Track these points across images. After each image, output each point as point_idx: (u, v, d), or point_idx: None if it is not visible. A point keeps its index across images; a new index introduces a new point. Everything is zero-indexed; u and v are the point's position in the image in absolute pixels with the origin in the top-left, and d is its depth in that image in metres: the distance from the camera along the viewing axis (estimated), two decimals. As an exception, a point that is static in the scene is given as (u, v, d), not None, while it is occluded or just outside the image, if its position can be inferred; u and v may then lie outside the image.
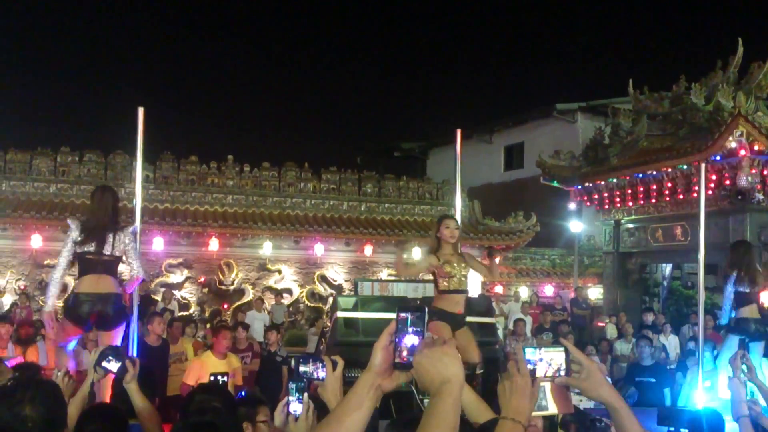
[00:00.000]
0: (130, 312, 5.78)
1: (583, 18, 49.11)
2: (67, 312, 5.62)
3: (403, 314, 1.61)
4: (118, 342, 5.50)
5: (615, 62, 40.17)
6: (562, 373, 1.94)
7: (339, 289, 17.81)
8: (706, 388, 7.28)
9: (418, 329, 1.59)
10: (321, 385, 2.49)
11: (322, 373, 2.46)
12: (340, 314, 8.40)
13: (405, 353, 1.58)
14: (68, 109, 35.59)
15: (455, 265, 5.98)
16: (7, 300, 14.78)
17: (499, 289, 18.87)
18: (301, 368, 2.53)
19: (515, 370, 1.92)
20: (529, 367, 1.94)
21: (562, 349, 1.95)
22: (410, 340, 1.58)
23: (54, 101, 35.76)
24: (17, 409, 2.16)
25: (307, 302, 17.62)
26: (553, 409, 2.09)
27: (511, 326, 14.24)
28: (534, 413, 1.96)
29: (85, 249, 5.48)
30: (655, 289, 18.71)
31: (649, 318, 13.69)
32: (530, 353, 1.96)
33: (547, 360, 1.94)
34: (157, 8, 47.10)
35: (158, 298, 14.80)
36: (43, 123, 30.86)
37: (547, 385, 2.03)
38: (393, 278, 17.57)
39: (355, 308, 8.56)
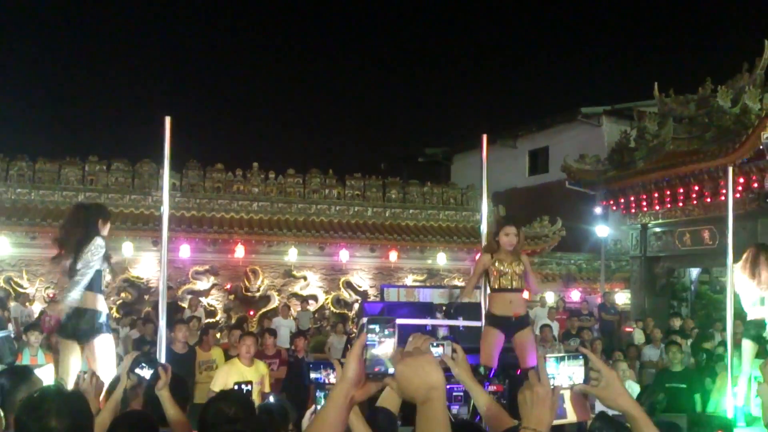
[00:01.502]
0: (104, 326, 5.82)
1: (606, 21, 48.82)
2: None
3: (372, 325, 1.65)
4: (104, 355, 5.60)
5: (640, 65, 39.89)
6: (581, 380, 1.95)
7: (364, 295, 17.82)
8: (735, 394, 7.18)
9: (389, 339, 1.62)
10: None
11: (333, 379, 2.48)
12: (366, 320, 8.41)
13: (377, 363, 1.61)
14: (96, 118, 36.12)
15: (507, 263, 5.97)
16: (37, 308, 14.98)
17: (525, 294, 18.78)
18: (312, 374, 2.55)
19: (536, 380, 1.95)
20: (550, 379, 1.96)
21: (582, 358, 1.97)
22: (381, 350, 1.61)
23: (82, 111, 36.28)
24: (44, 421, 2.19)
25: (332, 308, 17.67)
26: (572, 417, 2.10)
27: (537, 332, 14.17)
28: (554, 422, 1.98)
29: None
30: (683, 294, 18.50)
31: (677, 323, 13.54)
32: (552, 366, 1.98)
33: (568, 374, 1.96)
34: (183, 17, 47.63)
35: (185, 305, 14.93)
36: (72, 133, 31.33)
37: (567, 393, 2.04)
38: (419, 284, 17.60)
39: (381, 314, 8.57)
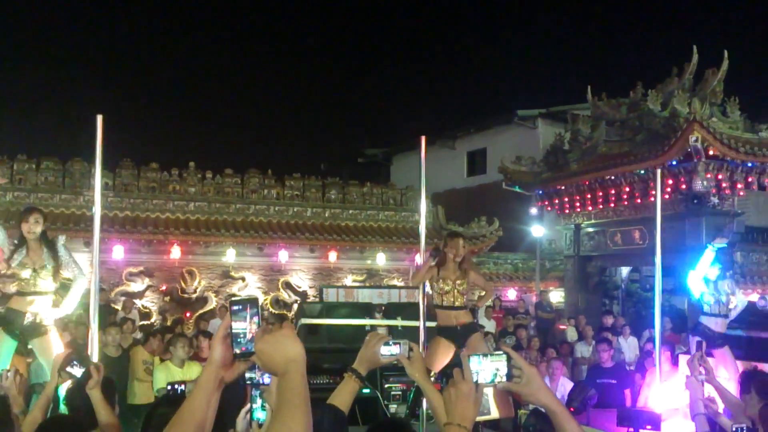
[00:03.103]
0: None
1: (542, 25, 49.77)
2: None
3: (236, 306, 1.68)
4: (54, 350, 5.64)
5: (574, 69, 40.78)
6: (504, 378, 2.01)
7: (304, 295, 17.74)
8: (664, 389, 7.42)
9: (254, 318, 1.66)
10: (266, 390, 2.51)
11: (267, 379, 2.48)
12: (304, 321, 8.38)
13: (243, 342, 1.65)
14: (25, 115, 34.93)
15: (451, 281, 6.03)
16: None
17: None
18: (247, 374, 2.55)
19: (460, 377, 2.00)
20: (474, 375, 2.01)
21: (504, 356, 2.02)
22: (247, 329, 1.65)
23: (10, 108, 35.05)
24: None
25: (271, 309, 17.53)
26: (495, 413, 2.17)
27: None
28: (478, 418, 2.04)
29: None
30: (614, 292, 19.03)
31: (609, 320, 13.91)
32: (475, 362, 2.02)
33: (492, 369, 2.01)
34: (114, 12, 46.49)
35: (118, 307, 14.59)
36: (-1, 130, 30.24)
37: (490, 391, 2.10)
38: (358, 284, 17.61)
39: (320, 315, 8.55)
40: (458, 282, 6.06)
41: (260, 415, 2.59)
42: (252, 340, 1.64)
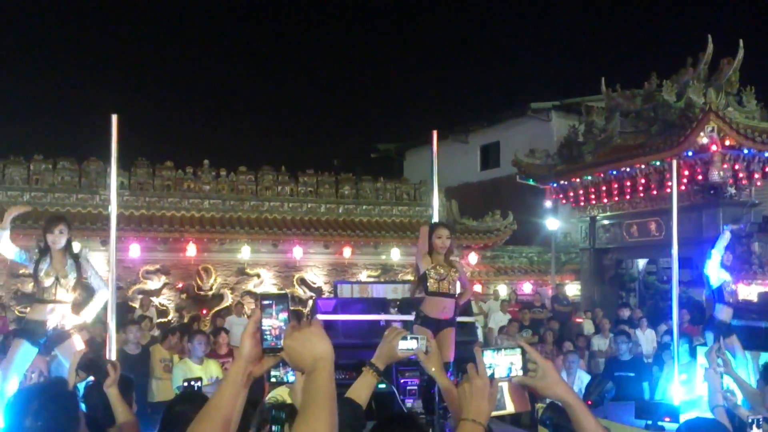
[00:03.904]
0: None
1: (555, 17, 49.51)
2: None
3: (266, 301, 1.69)
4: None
5: (588, 60, 40.56)
6: (520, 372, 2.00)
7: (318, 291, 17.77)
8: (682, 381, 7.39)
9: (283, 314, 1.67)
10: (291, 389, 2.52)
11: (291, 377, 2.49)
12: (319, 317, 8.41)
13: (272, 338, 1.66)
14: (40, 116, 35.19)
15: (445, 269, 6.04)
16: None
17: (477, 287, 18.97)
18: (271, 372, 2.56)
19: (474, 372, 2.00)
20: (489, 369, 2.00)
21: (519, 350, 2.02)
22: (276, 324, 1.66)
23: (25, 109, 35.33)
24: (21, 418, 2.15)
25: (287, 306, 17.55)
26: (510, 408, 2.16)
27: (491, 324, 14.36)
28: (493, 413, 2.04)
29: None
30: (631, 285, 18.92)
31: (626, 313, 13.84)
32: (489, 356, 2.02)
33: (507, 363, 2.00)
34: (129, 11, 46.70)
35: (136, 305, 14.69)
36: (15, 131, 30.48)
37: (505, 385, 2.09)
38: (373, 279, 17.63)
39: (334, 310, 8.57)
40: (452, 271, 6.08)
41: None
42: (281, 336, 1.64)
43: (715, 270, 8.18)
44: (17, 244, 6.13)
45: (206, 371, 6.96)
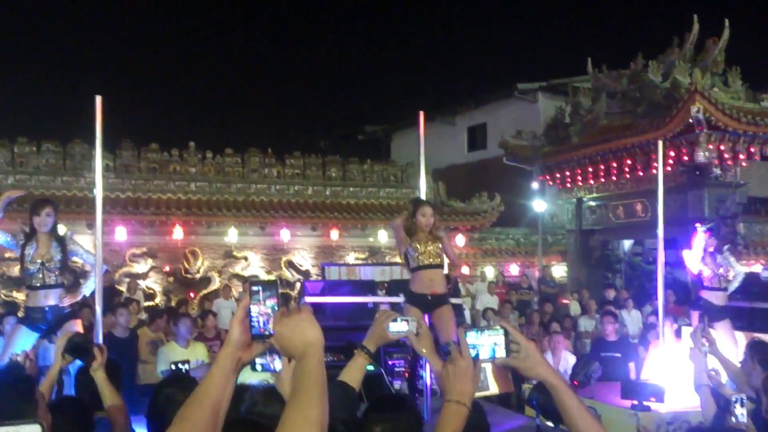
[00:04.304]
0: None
1: (542, -2, 49.31)
2: None
3: (255, 287, 1.69)
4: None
5: (574, 41, 40.47)
6: (503, 353, 2.00)
7: (306, 274, 17.77)
8: (667, 361, 7.45)
9: (271, 300, 1.67)
10: (277, 378, 2.52)
11: (278, 365, 2.48)
12: (307, 299, 8.41)
13: (261, 324, 1.66)
14: (24, 97, 34.79)
15: (423, 243, 6.00)
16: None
17: (465, 269, 19.03)
18: (257, 360, 2.55)
19: (457, 354, 2.00)
20: (472, 350, 2.00)
21: (502, 331, 2.01)
22: (264, 311, 1.66)
23: (9, 90, 34.91)
24: None
25: (273, 288, 17.54)
26: (494, 389, 2.17)
27: (478, 306, 14.42)
28: (476, 393, 2.05)
29: None
30: (617, 266, 19.04)
31: (612, 294, 13.94)
32: (472, 337, 2.02)
33: (490, 343, 2.00)
34: (112, -7, 46.10)
35: (123, 288, 14.64)
36: (-2, 113, 30.15)
37: (489, 366, 2.11)
38: (360, 262, 17.65)
39: (322, 293, 8.58)
40: (430, 244, 6.03)
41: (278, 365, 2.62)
42: (270, 322, 1.64)
43: (695, 264, 8.26)
44: (2, 228, 6.07)
45: (192, 354, 6.95)
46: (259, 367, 2.63)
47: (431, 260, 6.00)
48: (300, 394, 1.56)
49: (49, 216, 6.04)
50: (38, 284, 5.97)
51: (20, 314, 6.29)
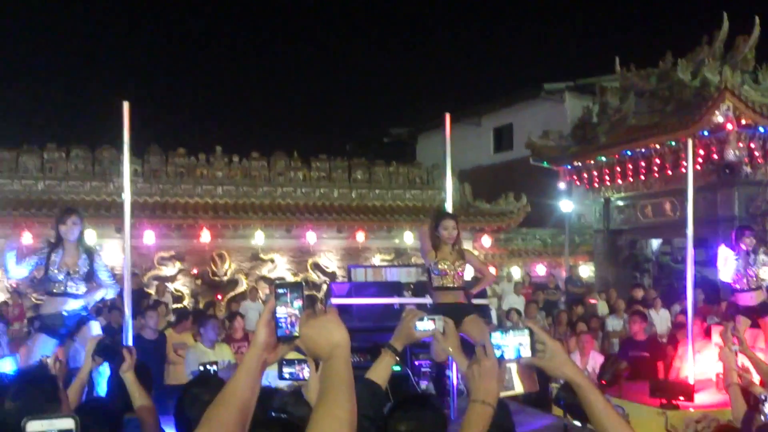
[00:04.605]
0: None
1: (567, -3, 48.97)
2: None
3: (281, 290, 1.69)
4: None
5: (602, 40, 40.13)
6: (528, 353, 2.00)
7: (332, 276, 17.83)
8: (696, 360, 7.36)
9: (297, 302, 1.67)
10: (305, 386, 2.54)
11: (306, 374, 2.50)
12: (333, 301, 8.44)
13: (288, 326, 1.66)
14: (53, 104, 35.37)
15: (449, 263, 5.89)
16: (-1, 298, 14.75)
17: (491, 270, 18.96)
18: (286, 369, 2.57)
19: (482, 354, 2.01)
20: (497, 351, 2.01)
21: (527, 331, 2.01)
22: (290, 312, 1.66)
23: (38, 97, 35.50)
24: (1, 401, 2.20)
25: (300, 290, 17.63)
26: (519, 388, 2.18)
27: (504, 307, 14.36)
28: (501, 393, 2.05)
29: None
30: (645, 265, 18.83)
31: (640, 293, 13.79)
32: (497, 337, 2.02)
33: (515, 344, 2.01)
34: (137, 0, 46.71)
35: (152, 291, 14.80)
36: (28, 119, 30.68)
37: (514, 366, 2.11)
38: (386, 264, 17.67)
39: (348, 294, 8.60)
40: (457, 263, 5.91)
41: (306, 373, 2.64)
42: (296, 324, 1.65)
43: (729, 272, 7.98)
44: (32, 233, 6.18)
45: (218, 355, 7.00)
46: (287, 376, 2.65)
47: (453, 284, 5.91)
48: (328, 394, 1.57)
49: (75, 225, 6.02)
50: (59, 292, 5.98)
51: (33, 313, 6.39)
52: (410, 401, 2.62)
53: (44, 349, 5.82)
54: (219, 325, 7.98)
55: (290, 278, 17.62)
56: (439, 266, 5.86)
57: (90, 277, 6.11)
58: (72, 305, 6.01)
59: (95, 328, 6.07)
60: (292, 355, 2.03)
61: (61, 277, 5.96)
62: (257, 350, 1.70)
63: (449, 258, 5.87)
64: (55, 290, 6.01)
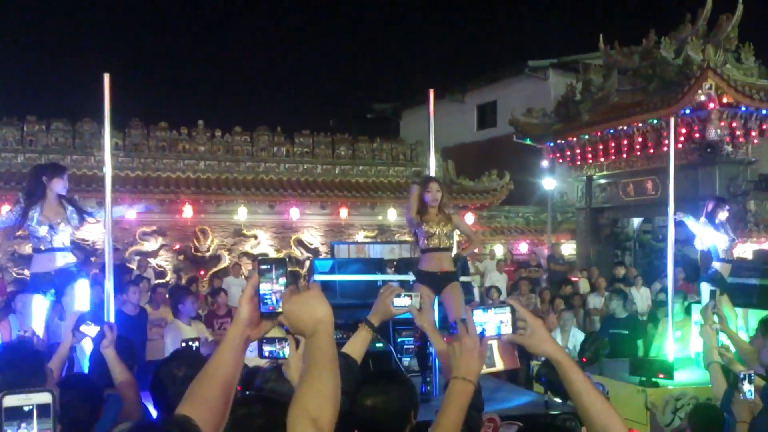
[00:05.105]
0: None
1: (553, -27, 48.71)
2: None
3: (264, 265, 1.68)
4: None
5: (586, 17, 40.09)
6: (509, 330, 2.01)
7: (315, 252, 17.82)
8: (677, 338, 7.45)
9: (281, 278, 1.66)
10: (285, 363, 2.55)
11: (287, 351, 2.50)
12: (316, 277, 8.42)
13: (270, 302, 1.66)
14: (33, 76, 34.87)
15: (434, 224, 5.99)
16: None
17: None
18: (266, 347, 2.57)
19: (464, 331, 2.02)
20: (478, 328, 2.01)
21: (509, 308, 2.02)
22: (274, 289, 1.66)
23: (18, 69, 34.94)
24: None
25: (283, 266, 17.61)
26: (500, 365, 2.20)
27: (487, 284, 14.43)
28: (482, 370, 2.07)
29: None
30: (626, 243, 19.00)
31: (621, 272, 13.91)
32: (479, 315, 2.03)
33: (497, 321, 2.02)
34: (119, -29, 45.84)
35: (133, 266, 14.71)
36: (8, 92, 30.22)
37: (495, 343, 2.12)
38: (369, 240, 17.67)
39: (331, 271, 8.58)
40: (442, 224, 6.01)
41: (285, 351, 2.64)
42: (279, 300, 1.64)
43: (709, 237, 8.06)
44: (12, 206, 6.10)
45: (195, 332, 6.98)
46: (267, 354, 2.65)
47: (441, 244, 5.99)
48: (312, 370, 1.58)
49: (67, 180, 6.12)
50: (46, 248, 5.96)
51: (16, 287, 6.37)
52: (377, 376, 2.65)
53: (39, 309, 5.79)
54: (201, 301, 7.93)
55: (273, 254, 17.59)
56: (425, 228, 5.94)
57: (82, 220, 6.14)
58: (60, 260, 5.99)
59: (82, 287, 6.04)
60: (274, 332, 2.02)
61: (43, 231, 5.92)
62: (240, 326, 1.69)
63: (435, 220, 5.96)
64: (41, 246, 5.98)
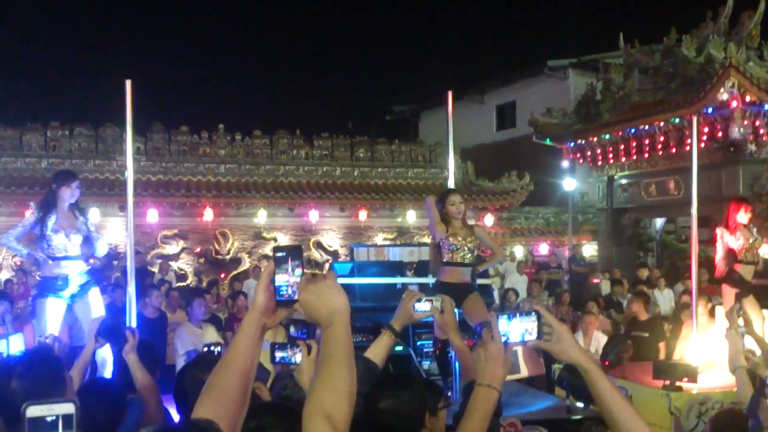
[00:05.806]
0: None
1: (572, -28, 48.39)
2: None
3: (280, 253, 1.67)
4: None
5: (606, 16, 39.77)
6: (534, 336, 2.00)
7: (335, 255, 17.85)
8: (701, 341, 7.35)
9: (297, 267, 1.66)
10: (297, 369, 2.55)
11: (298, 358, 2.50)
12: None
13: (285, 290, 1.65)
14: (56, 83, 35.25)
15: (461, 238, 5.89)
16: (3, 276, 14.77)
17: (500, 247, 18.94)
18: (278, 353, 2.57)
19: (489, 338, 2.02)
20: (503, 337, 2.01)
21: (534, 316, 2.01)
22: (290, 277, 1.65)
23: (41, 76, 35.38)
24: (7, 381, 2.20)
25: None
26: (524, 372, 2.20)
27: (507, 286, 14.36)
28: (507, 377, 2.06)
29: None
30: (648, 244, 18.81)
31: (644, 273, 13.77)
32: (504, 324, 2.02)
33: (521, 329, 2.01)
34: (140, -24, 46.25)
35: (155, 269, 14.82)
36: (32, 98, 30.57)
37: (519, 349, 2.12)
38: (389, 242, 17.66)
39: (351, 273, 8.58)
40: (468, 239, 5.91)
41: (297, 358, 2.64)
42: (295, 288, 1.63)
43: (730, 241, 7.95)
44: (28, 209, 6.21)
45: (206, 335, 7.00)
46: (278, 359, 2.64)
47: (464, 260, 5.90)
48: (328, 364, 1.56)
49: (78, 189, 6.15)
50: (60, 255, 6.02)
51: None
52: (392, 379, 2.65)
53: (55, 312, 5.85)
54: (221, 304, 7.95)
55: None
56: (451, 240, 5.86)
57: (88, 238, 6.16)
58: (73, 268, 6.05)
59: (96, 296, 6.09)
60: (280, 339, 2.02)
61: (59, 239, 5.98)
62: (256, 314, 1.68)
63: (460, 233, 5.89)
64: (55, 254, 6.05)
